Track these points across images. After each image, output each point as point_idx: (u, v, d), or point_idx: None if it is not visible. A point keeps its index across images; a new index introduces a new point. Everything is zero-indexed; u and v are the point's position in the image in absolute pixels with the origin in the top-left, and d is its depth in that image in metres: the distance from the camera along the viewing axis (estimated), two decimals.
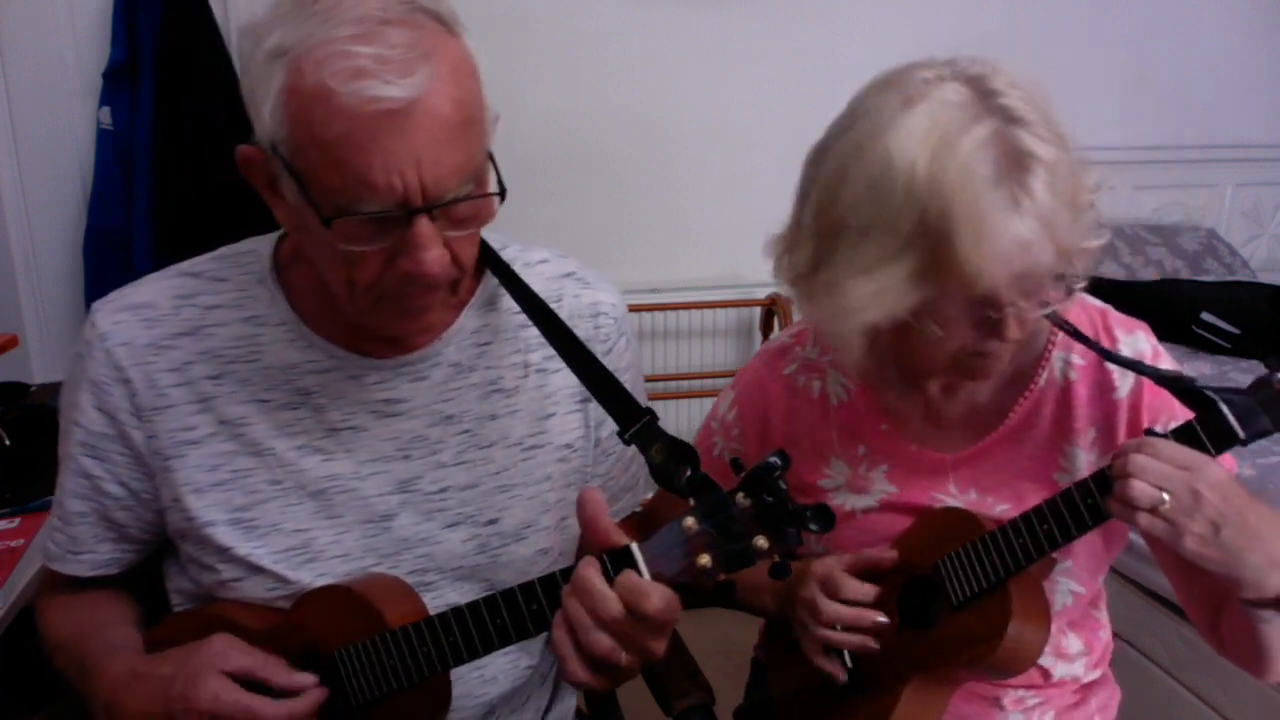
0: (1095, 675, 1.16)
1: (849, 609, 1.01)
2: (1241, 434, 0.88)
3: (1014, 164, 0.85)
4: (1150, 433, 0.91)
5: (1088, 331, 1.03)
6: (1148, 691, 1.90)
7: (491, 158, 0.84)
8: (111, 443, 0.94)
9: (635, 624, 0.76)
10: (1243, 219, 3.26)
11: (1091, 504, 0.92)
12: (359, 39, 0.75)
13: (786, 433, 1.14)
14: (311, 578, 0.94)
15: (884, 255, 0.88)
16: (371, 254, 0.81)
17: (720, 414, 1.21)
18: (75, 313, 2.48)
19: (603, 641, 0.77)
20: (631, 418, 0.88)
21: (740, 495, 0.76)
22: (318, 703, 0.88)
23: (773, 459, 0.75)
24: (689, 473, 0.80)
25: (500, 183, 0.85)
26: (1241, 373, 2.27)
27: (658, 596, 0.76)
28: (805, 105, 2.80)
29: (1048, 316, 1.01)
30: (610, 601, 0.76)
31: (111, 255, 2.39)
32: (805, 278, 0.96)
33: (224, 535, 0.94)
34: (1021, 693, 1.11)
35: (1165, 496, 0.84)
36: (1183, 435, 0.89)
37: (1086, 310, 1.05)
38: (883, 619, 1.01)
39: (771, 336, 2.82)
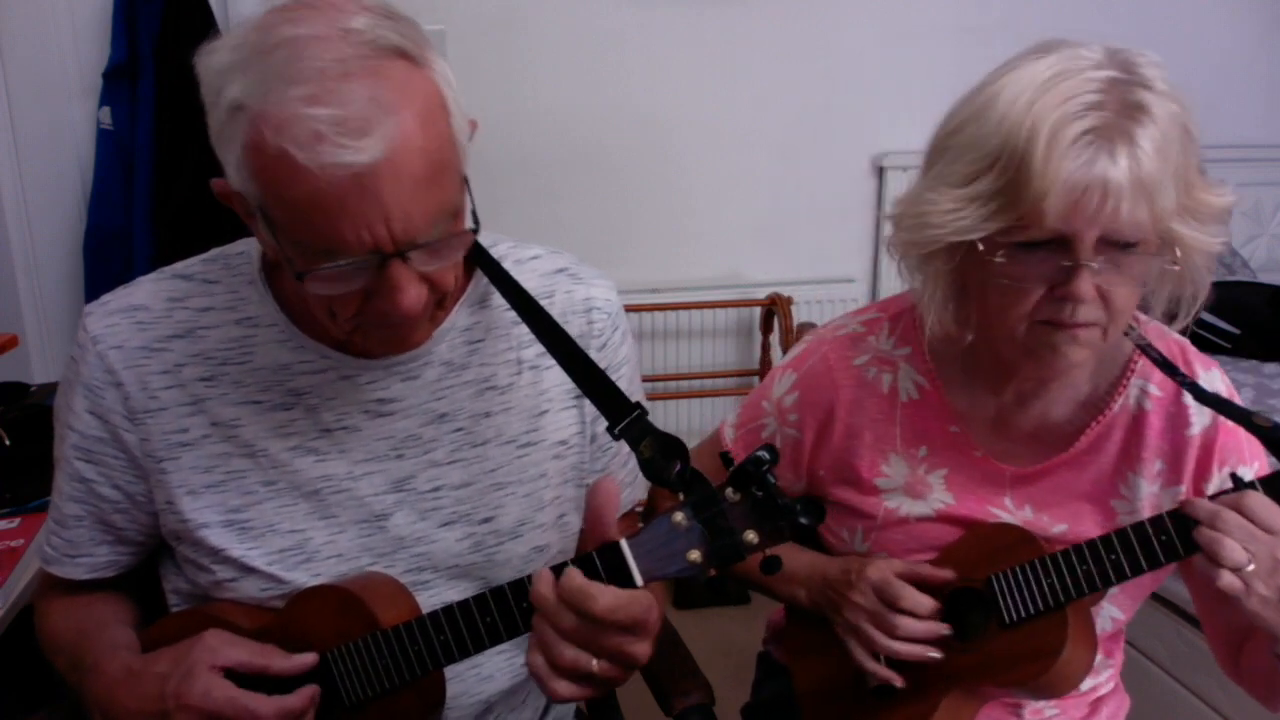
0: (1111, 686, 1.16)
1: (920, 624, 1.01)
2: None
3: (1125, 113, 0.85)
4: (1235, 478, 0.91)
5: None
6: (1149, 692, 1.89)
7: (466, 182, 0.83)
8: (105, 446, 0.94)
9: (595, 629, 0.76)
10: (1243, 219, 3.24)
11: (1166, 540, 0.92)
12: (315, 100, 0.72)
13: (849, 424, 1.11)
14: (307, 578, 0.95)
15: (970, 172, 0.90)
16: (349, 294, 0.81)
17: (775, 395, 1.16)
18: (75, 313, 2.47)
19: (566, 652, 0.77)
20: (621, 413, 0.88)
21: (730, 490, 0.76)
22: (311, 698, 0.88)
23: (761, 452, 0.75)
24: (679, 467, 0.80)
25: (474, 215, 0.84)
26: (1241, 373, 2.26)
27: (606, 598, 0.76)
28: (805, 105, 2.86)
29: (1132, 339, 1.01)
30: (564, 613, 0.76)
31: (111, 255, 2.39)
32: (903, 200, 0.99)
33: (218, 537, 0.94)
34: (1041, 702, 1.11)
35: (1251, 565, 0.85)
36: (1272, 484, 0.89)
37: (1166, 342, 1.04)
38: (946, 631, 1.01)
39: (772, 337, 2.82)
